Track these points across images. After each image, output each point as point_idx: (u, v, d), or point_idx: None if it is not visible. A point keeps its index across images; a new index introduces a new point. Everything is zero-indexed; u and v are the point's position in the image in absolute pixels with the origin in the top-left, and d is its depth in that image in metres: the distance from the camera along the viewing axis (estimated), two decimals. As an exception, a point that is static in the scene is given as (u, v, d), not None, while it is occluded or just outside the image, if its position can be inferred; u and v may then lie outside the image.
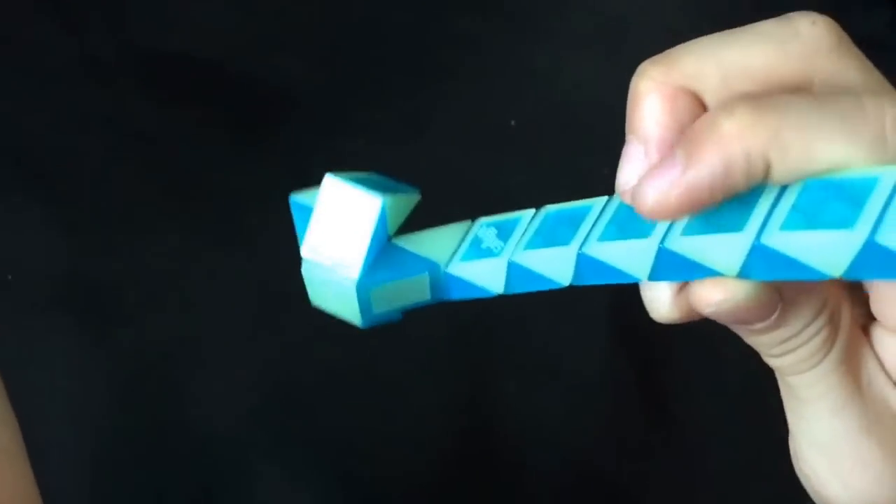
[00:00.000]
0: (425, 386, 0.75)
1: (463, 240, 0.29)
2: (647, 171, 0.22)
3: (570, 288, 0.26)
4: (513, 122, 0.88)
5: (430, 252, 0.28)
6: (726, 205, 0.22)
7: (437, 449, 0.73)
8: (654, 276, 0.23)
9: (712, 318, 0.23)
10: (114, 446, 0.71)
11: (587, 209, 0.26)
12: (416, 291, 0.28)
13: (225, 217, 0.81)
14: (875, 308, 0.24)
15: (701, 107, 0.24)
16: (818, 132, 0.20)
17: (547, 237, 0.26)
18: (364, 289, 0.27)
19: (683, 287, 0.24)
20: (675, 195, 0.21)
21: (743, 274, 0.22)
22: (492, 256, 0.27)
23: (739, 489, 0.75)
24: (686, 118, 0.23)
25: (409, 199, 0.28)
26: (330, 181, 0.27)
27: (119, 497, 0.69)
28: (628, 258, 0.24)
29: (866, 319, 0.25)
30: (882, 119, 0.21)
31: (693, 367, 0.79)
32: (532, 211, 0.28)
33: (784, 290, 0.23)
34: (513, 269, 0.27)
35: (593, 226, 0.25)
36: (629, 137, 0.24)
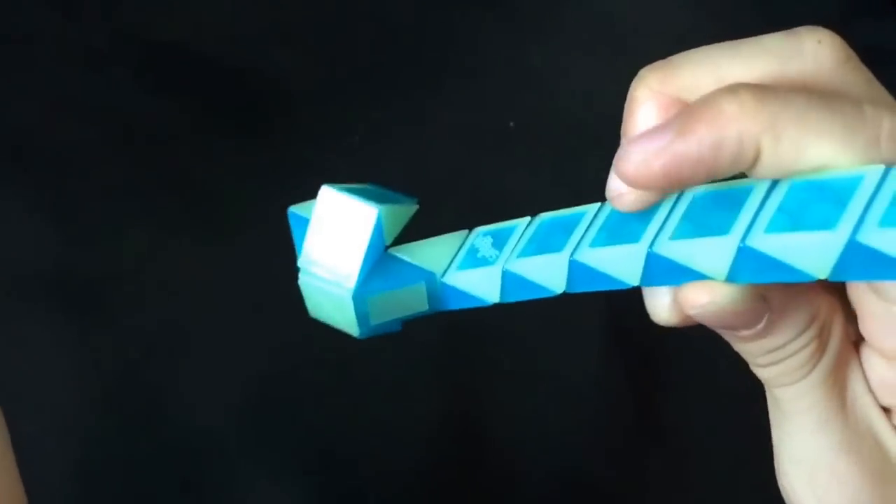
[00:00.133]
0: (415, 389, 0.75)
1: (459, 249, 0.29)
2: (636, 135, 0.22)
3: (565, 296, 0.26)
4: (512, 124, 0.88)
5: (427, 262, 0.28)
6: (714, 209, 0.22)
7: (427, 453, 0.73)
8: (645, 281, 0.24)
9: (699, 321, 0.23)
10: (97, 441, 0.70)
11: (580, 216, 0.26)
12: (413, 301, 0.28)
13: (217, 211, 0.80)
14: (861, 327, 0.24)
15: None
16: (814, 127, 0.21)
17: (540, 245, 0.26)
18: (361, 299, 0.27)
19: None
20: (659, 163, 0.21)
21: (731, 277, 0.22)
22: (487, 265, 0.27)
23: (731, 497, 0.74)
24: None
25: (405, 210, 0.28)
26: (326, 192, 0.27)
27: (102, 491, 0.69)
28: (619, 264, 0.24)
29: (859, 336, 0.25)
30: (878, 126, 0.21)
31: (686, 375, 0.79)
32: (527, 219, 0.28)
33: (772, 299, 0.23)
34: (507, 277, 0.27)
35: (585, 232, 0.25)
36: (622, 142, 0.24)
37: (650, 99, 0.24)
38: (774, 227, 0.21)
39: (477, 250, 0.28)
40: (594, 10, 0.98)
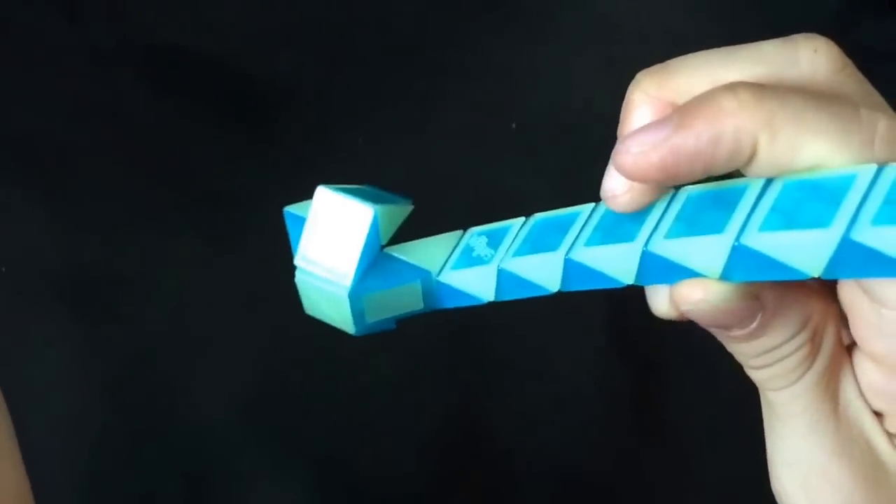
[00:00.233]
0: (416, 389, 0.75)
1: (455, 249, 0.29)
2: (635, 129, 0.23)
3: (560, 294, 0.26)
4: (513, 125, 0.88)
5: (422, 261, 0.29)
6: (708, 208, 0.22)
7: (428, 452, 0.73)
8: (640, 279, 0.24)
9: (693, 318, 0.23)
10: (104, 440, 0.70)
11: (574, 216, 0.26)
12: (408, 300, 0.29)
13: (221, 212, 0.81)
14: (853, 330, 0.24)
15: None
16: (810, 126, 0.21)
17: (535, 244, 0.27)
18: (356, 297, 0.27)
19: None
20: (657, 155, 0.21)
21: (725, 275, 0.22)
22: (482, 264, 0.28)
23: (731, 495, 0.74)
24: None
25: (401, 210, 0.28)
26: (322, 192, 0.27)
27: (109, 490, 0.69)
28: (614, 262, 0.24)
29: (851, 341, 0.25)
30: (873, 128, 0.21)
31: (686, 375, 0.79)
32: (522, 219, 0.28)
33: (765, 299, 0.23)
34: (502, 276, 0.27)
35: (580, 232, 0.25)
36: (619, 139, 0.24)
37: (646, 103, 0.24)
38: (768, 225, 0.21)
39: (472, 249, 0.28)
40: (595, 12, 0.98)
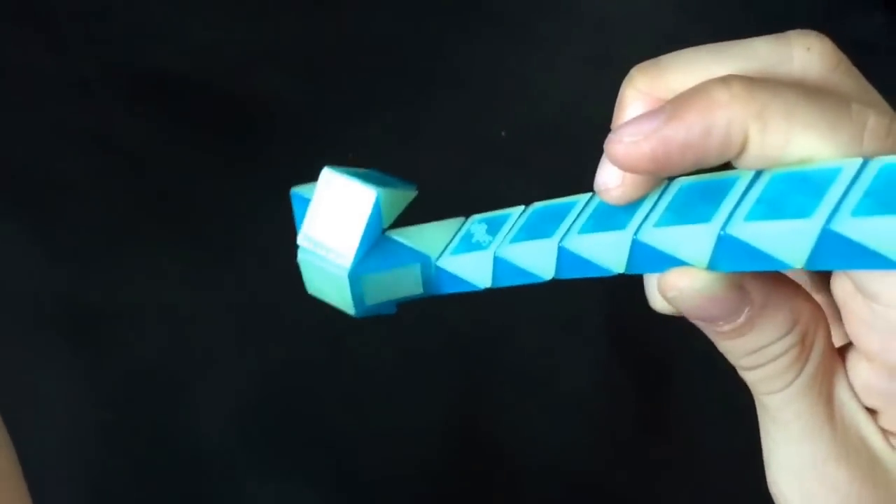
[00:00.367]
0: (420, 397, 0.75)
1: (455, 235, 0.30)
2: (628, 120, 0.23)
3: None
4: (503, 133, 0.88)
5: (423, 245, 0.29)
6: (698, 199, 0.23)
7: (431, 459, 0.73)
8: (630, 268, 0.24)
9: (679, 308, 0.23)
10: (105, 463, 0.70)
11: (571, 205, 0.27)
12: (407, 283, 0.29)
13: (211, 233, 0.81)
14: (847, 328, 0.24)
15: None
16: (801, 119, 0.21)
17: (532, 231, 0.27)
18: (356, 277, 0.28)
19: None
20: (649, 145, 0.22)
21: (712, 265, 0.22)
22: (480, 250, 0.28)
23: (734, 493, 0.74)
24: None
25: (404, 195, 0.29)
26: (327, 174, 0.28)
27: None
28: (605, 251, 0.25)
29: (844, 343, 0.26)
30: (863, 123, 0.21)
31: (689, 377, 0.79)
32: (521, 207, 0.29)
33: (753, 294, 0.23)
34: (498, 262, 0.28)
35: (575, 220, 0.26)
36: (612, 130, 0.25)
37: (638, 99, 0.24)
38: (754, 215, 0.21)
39: (472, 236, 0.29)
40: (580, 17, 0.98)
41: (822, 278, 0.26)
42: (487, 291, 0.29)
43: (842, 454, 0.25)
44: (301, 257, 0.28)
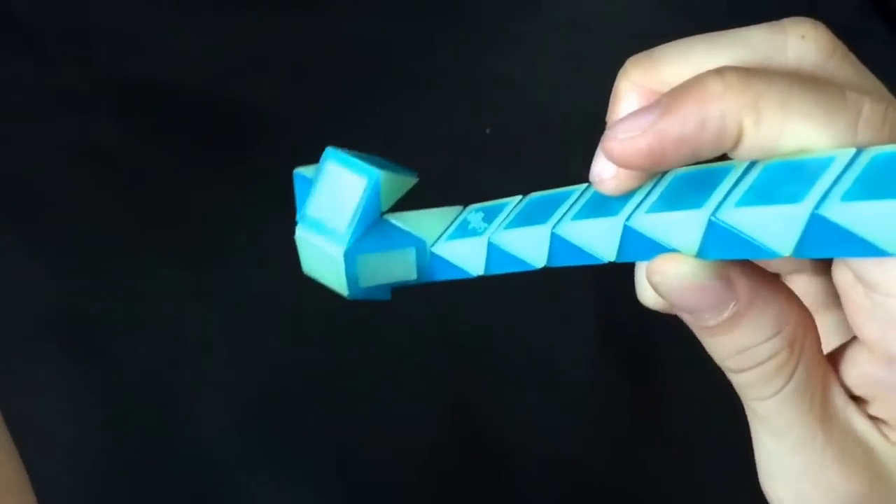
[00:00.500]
0: (415, 394, 0.75)
1: (453, 222, 0.30)
2: (623, 116, 0.23)
3: (546, 270, 0.27)
4: (488, 130, 0.89)
5: (420, 230, 0.29)
6: (690, 188, 0.23)
7: (428, 456, 0.73)
8: (621, 256, 0.24)
9: (663, 295, 0.23)
10: (107, 471, 0.70)
11: (567, 194, 0.27)
12: (402, 267, 0.29)
13: (203, 241, 0.81)
14: (849, 317, 0.24)
15: None
16: (796, 108, 0.21)
17: (526, 219, 0.27)
18: (351, 258, 0.28)
19: None
20: (645, 141, 0.22)
21: (701, 253, 0.22)
22: (474, 236, 0.28)
23: (732, 487, 0.75)
24: None
25: (405, 180, 0.29)
26: (330, 154, 0.28)
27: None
28: (597, 238, 0.25)
29: (845, 334, 0.26)
30: (858, 111, 0.21)
31: (681, 370, 0.79)
32: (518, 197, 0.29)
33: (738, 288, 0.23)
34: (492, 249, 0.28)
35: (569, 209, 0.26)
36: (608, 126, 0.24)
37: (633, 91, 0.24)
38: (744, 202, 0.21)
39: (468, 223, 0.29)
40: (559, 16, 0.98)
41: (824, 266, 0.26)
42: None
43: (836, 458, 0.24)
44: (298, 235, 0.28)
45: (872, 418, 0.25)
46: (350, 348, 0.75)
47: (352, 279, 0.28)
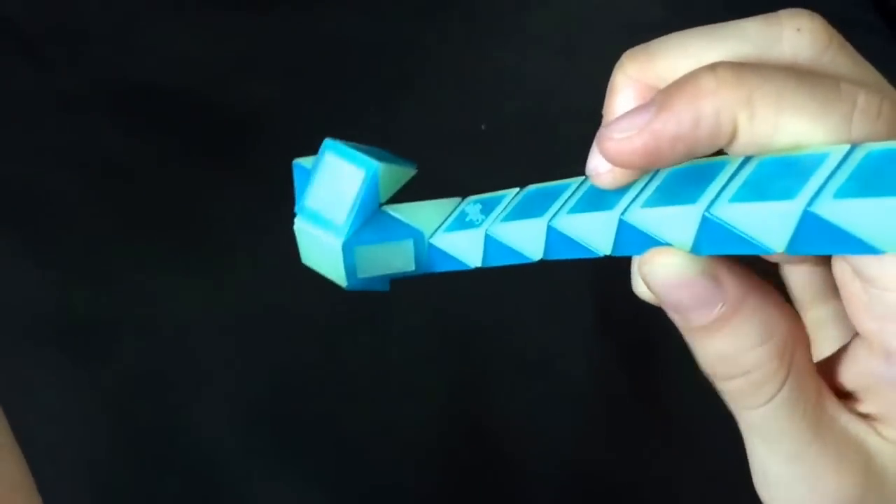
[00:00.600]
0: (415, 392, 0.75)
1: (451, 214, 0.30)
2: (618, 116, 0.23)
3: (542, 262, 0.27)
4: (483, 126, 0.89)
5: (418, 221, 0.29)
6: (686, 183, 0.23)
7: (429, 455, 0.73)
8: (617, 250, 0.24)
9: (652, 288, 0.23)
10: (110, 472, 0.70)
11: (565, 187, 0.27)
12: (400, 258, 0.29)
13: (201, 243, 0.81)
14: (848, 312, 0.24)
15: None
16: (790, 103, 0.21)
17: (523, 211, 0.27)
18: (349, 248, 0.28)
19: None
20: (640, 140, 0.22)
21: (695, 248, 0.22)
22: (472, 228, 0.29)
23: (734, 485, 0.75)
24: None
25: (404, 171, 0.30)
26: (329, 146, 0.28)
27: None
28: (593, 231, 0.25)
29: (844, 325, 0.26)
30: (853, 103, 0.21)
31: (681, 364, 0.79)
32: (516, 189, 0.29)
33: (727, 289, 0.23)
34: (489, 241, 0.28)
35: (566, 202, 0.26)
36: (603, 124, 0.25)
37: (628, 86, 0.24)
38: (738, 198, 0.21)
39: (466, 215, 0.29)
40: (558, 9, 0.98)
41: (825, 257, 0.26)
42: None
43: (832, 466, 0.24)
44: (297, 226, 0.29)
45: (865, 416, 0.25)
46: (350, 348, 0.75)
47: (350, 270, 0.28)
